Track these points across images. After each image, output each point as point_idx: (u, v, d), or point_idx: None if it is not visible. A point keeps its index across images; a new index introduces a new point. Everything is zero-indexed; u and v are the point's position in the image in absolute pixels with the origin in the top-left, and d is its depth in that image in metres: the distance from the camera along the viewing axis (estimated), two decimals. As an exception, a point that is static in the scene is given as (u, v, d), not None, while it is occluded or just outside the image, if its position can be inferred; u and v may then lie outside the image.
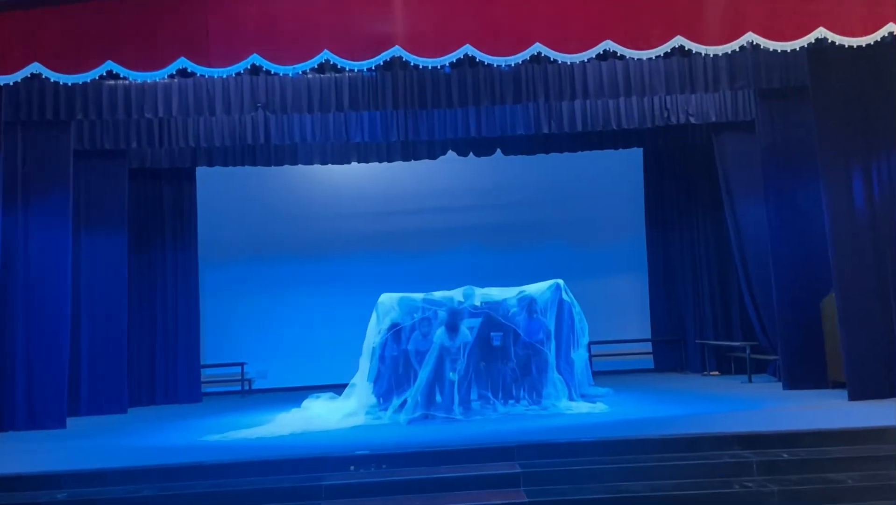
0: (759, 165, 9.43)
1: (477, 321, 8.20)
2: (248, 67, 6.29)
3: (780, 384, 9.12)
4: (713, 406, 7.72)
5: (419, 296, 8.39)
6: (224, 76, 6.31)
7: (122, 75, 6.25)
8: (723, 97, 9.85)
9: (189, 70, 6.27)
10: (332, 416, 7.96)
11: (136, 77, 6.26)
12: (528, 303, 8.36)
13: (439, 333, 7.95)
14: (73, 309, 9.17)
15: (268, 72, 6.86)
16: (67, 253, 8.83)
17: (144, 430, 8.14)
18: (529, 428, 6.91)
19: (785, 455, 5.74)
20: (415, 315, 8.19)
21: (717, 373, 11.19)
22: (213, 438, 7.22)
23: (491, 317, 8.22)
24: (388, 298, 8.48)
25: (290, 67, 6.30)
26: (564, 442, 6.11)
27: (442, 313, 8.14)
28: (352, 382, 8.55)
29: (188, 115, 9.01)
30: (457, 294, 8.44)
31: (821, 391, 8.43)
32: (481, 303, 8.42)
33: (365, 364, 8.41)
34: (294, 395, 10.07)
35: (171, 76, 8.17)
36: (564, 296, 8.65)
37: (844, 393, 7.86)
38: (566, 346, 8.63)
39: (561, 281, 8.89)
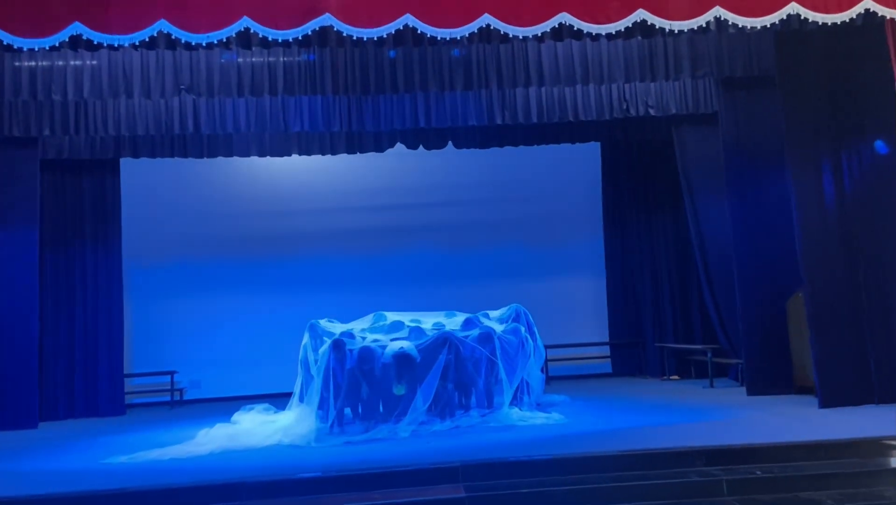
0: (721, 160, 8.96)
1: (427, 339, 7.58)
2: (155, 35, 5.47)
3: (743, 389, 8.66)
4: (676, 416, 7.18)
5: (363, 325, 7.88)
6: (126, 44, 5.47)
7: (4, 42, 5.36)
8: (683, 88, 9.37)
9: (84, 38, 5.42)
10: (261, 431, 7.16)
11: (23, 44, 5.38)
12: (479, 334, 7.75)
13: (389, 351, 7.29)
14: (-27, 312, 8.25)
15: (188, 45, 6.01)
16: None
17: (47, 449, 7.24)
18: (477, 444, 6.23)
19: (758, 472, 5.18)
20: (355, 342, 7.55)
21: (676, 377, 10.75)
22: (120, 459, 6.38)
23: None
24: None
25: (204, 36, 5.51)
26: (515, 460, 5.45)
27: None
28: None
29: (102, 99, 8.13)
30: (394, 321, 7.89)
31: (787, 397, 8.00)
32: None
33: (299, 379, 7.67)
34: (228, 405, 9.23)
35: (78, 53, 7.54)
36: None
37: (813, 399, 7.42)
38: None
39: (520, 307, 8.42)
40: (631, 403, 8.34)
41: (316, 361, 7.59)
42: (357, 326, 8.05)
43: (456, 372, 7.38)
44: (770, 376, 8.26)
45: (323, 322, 8.15)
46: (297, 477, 5.32)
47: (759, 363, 8.38)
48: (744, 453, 5.38)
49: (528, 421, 7.26)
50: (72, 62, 7.82)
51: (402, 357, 7.20)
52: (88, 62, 7.81)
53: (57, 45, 5.40)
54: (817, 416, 6.81)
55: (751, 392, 8.30)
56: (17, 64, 7.76)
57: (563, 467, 5.26)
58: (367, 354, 7.31)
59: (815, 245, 7.20)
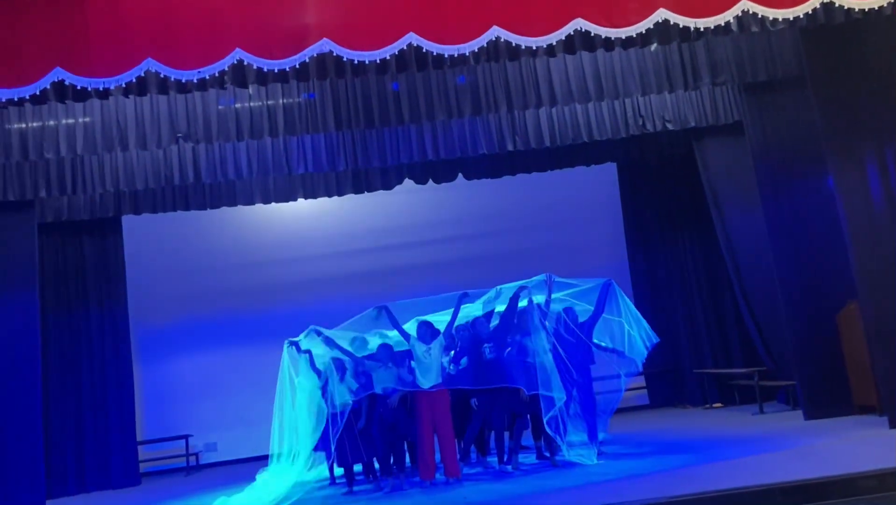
0: (749, 169, 8.53)
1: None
2: (143, 75, 5.09)
3: (796, 413, 8.08)
4: (734, 449, 6.52)
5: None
6: (112, 87, 5.09)
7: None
8: (701, 99, 8.95)
9: (67, 83, 5.04)
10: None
11: (3, 95, 5.01)
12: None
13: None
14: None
15: (179, 85, 5.59)
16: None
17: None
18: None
19: (844, 508, 4.58)
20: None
21: (720, 405, 10.10)
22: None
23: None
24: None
25: (195, 72, 5.11)
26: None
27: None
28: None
29: (97, 153, 7.76)
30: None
31: (849, 418, 7.40)
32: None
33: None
34: (247, 467, 8.86)
35: (69, 111, 7.26)
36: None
37: (878, 419, 6.85)
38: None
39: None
40: (680, 438, 7.71)
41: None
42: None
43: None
44: (827, 397, 7.66)
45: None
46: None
47: (815, 384, 7.79)
48: (829, 486, 4.75)
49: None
50: (63, 120, 7.52)
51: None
52: (80, 119, 7.51)
53: (38, 93, 5.02)
54: (890, 437, 6.17)
55: (808, 416, 7.70)
56: (7, 126, 7.46)
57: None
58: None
59: (867, 250, 6.65)
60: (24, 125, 7.47)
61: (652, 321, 10.57)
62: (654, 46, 7.74)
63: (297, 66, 5.31)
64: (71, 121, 7.51)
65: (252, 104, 7.77)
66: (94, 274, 10.05)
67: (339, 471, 7.23)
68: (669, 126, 8.89)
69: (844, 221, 6.86)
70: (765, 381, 9.14)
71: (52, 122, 7.48)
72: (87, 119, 7.51)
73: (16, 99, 5.08)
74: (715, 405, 10.12)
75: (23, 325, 8.52)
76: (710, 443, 7.07)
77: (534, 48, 5.56)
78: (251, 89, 7.62)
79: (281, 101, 7.79)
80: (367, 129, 8.33)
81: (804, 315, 7.87)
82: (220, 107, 7.63)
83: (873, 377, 7.02)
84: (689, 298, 10.73)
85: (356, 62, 5.35)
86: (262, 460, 8.17)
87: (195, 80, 5.10)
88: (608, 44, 5.82)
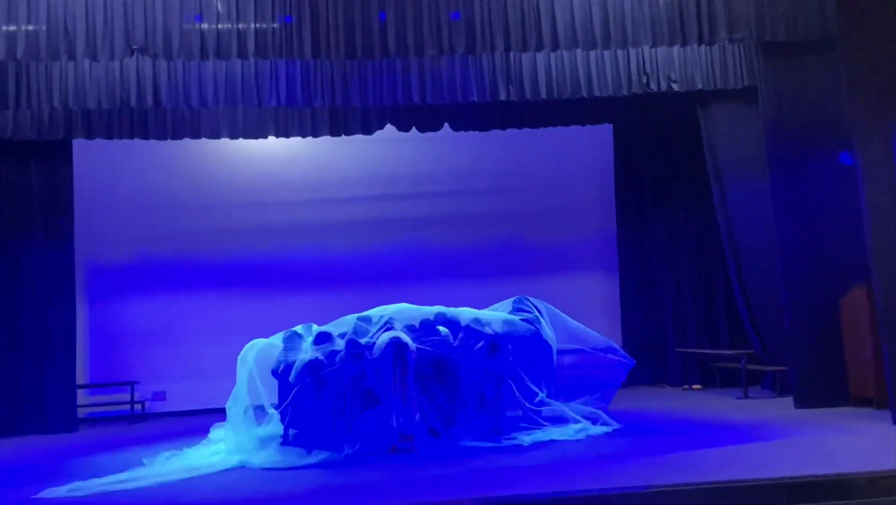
0: (757, 141, 7.99)
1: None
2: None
3: (783, 400, 7.68)
4: (722, 436, 6.01)
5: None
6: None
7: None
8: (711, 59, 8.31)
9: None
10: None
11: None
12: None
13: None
14: None
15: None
16: None
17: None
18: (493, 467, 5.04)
19: (856, 512, 4.05)
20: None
21: (699, 387, 9.67)
22: (51, 493, 5.16)
23: None
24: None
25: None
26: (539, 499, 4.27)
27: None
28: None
29: (41, 61, 6.92)
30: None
31: (843, 410, 6.98)
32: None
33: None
34: (196, 420, 8.30)
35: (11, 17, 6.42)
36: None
37: (874, 412, 6.47)
38: None
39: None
40: (662, 420, 7.23)
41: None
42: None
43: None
44: (821, 386, 7.23)
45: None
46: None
47: (809, 371, 7.33)
48: (833, 486, 4.22)
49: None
50: (4, 27, 6.65)
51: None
52: (24, 27, 6.64)
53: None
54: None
55: (799, 404, 7.26)
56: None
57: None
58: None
59: (886, 229, 6.13)
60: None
61: (637, 295, 10.36)
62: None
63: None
64: (13, 28, 6.66)
65: (220, 26, 6.97)
66: (40, 202, 9.12)
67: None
68: (675, 87, 8.22)
69: (863, 197, 6.35)
70: (752, 364, 8.70)
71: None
72: (31, 27, 6.67)
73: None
74: (694, 387, 9.70)
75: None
76: (699, 427, 6.59)
77: None
78: (220, 5, 6.87)
79: (253, 25, 7.00)
80: (348, 62, 7.60)
81: (804, 298, 7.40)
82: (184, 25, 6.84)
83: (874, 367, 6.65)
84: (677, 274, 10.19)
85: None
86: (214, 414, 7.61)
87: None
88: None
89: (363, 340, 6.39)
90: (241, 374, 6.51)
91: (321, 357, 6.26)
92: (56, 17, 6.65)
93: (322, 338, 6.52)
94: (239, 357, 6.70)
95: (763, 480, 4.26)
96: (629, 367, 7.32)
